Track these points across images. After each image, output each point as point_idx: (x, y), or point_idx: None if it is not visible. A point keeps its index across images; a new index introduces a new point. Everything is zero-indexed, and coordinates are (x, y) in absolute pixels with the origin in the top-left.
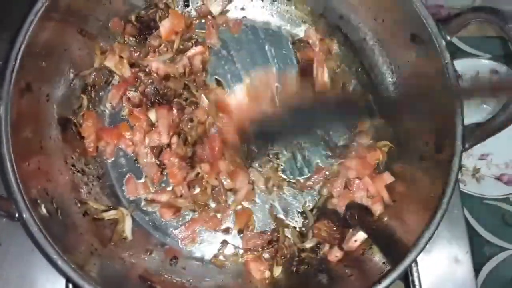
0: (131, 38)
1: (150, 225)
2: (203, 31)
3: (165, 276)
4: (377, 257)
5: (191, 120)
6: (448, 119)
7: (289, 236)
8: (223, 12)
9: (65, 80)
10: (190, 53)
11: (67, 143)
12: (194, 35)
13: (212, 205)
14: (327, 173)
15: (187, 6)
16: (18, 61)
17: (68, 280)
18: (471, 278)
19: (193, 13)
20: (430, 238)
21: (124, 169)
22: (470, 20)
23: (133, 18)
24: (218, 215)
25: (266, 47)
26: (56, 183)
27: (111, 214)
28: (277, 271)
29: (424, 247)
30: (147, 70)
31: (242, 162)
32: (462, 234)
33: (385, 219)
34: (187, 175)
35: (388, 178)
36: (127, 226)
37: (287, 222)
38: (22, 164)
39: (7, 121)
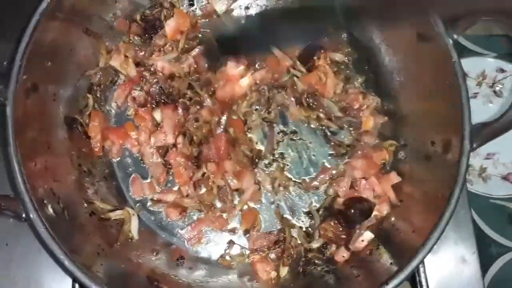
0: (136, 38)
1: (156, 225)
2: (208, 30)
3: (172, 276)
4: (384, 258)
5: (197, 120)
6: (456, 118)
7: (296, 236)
8: (228, 11)
9: (71, 80)
10: (195, 52)
11: (74, 142)
12: (199, 34)
13: (218, 205)
14: (333, 172)
15: (192, 5)
16: (23, 61)
17: (75, 280)
18: (478, 278)
19: (198, 12)
20: (437, 239)
21: (130, 169)
22: (478, 18)
23: (138, 17)
24: (224, 215)
25: None
26: (63, 183)
27: (117, 214)
28: (284, 271)
29: (431, 248)
30: (152, 69)
31: (248, 162)
32: (469, 234)
33: (392, 219)
34: (193, 175)
35: (394, 178)
36: (134, 226)
37: (294, 222)
38: (29, 164)
39: (14, 122)
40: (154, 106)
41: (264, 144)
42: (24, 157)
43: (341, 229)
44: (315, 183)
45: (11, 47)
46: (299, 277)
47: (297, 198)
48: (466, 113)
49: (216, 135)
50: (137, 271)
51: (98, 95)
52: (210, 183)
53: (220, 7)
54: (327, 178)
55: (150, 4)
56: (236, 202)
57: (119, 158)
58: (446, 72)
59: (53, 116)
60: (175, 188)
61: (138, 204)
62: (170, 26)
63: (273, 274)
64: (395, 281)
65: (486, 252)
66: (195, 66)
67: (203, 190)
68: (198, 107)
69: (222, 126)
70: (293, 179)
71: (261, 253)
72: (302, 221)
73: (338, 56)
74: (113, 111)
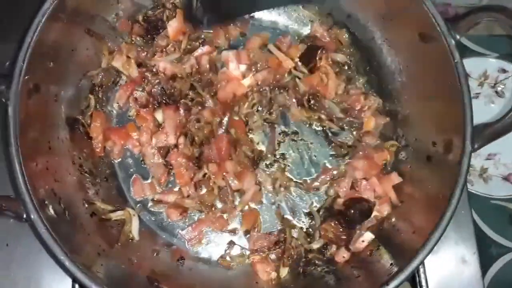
0: (138, 38)
1: (157, 226)
2: (211, 31)
3: (172, 276)
4: (385, 258)
5: (198, 121)
6: (457, 119)
7: (296, 237)
8: None
9: (72, 81)
10: (197, 53)
11: (75, 143)
12: (201, 35)
13: (219, 205)
14: (334, 173)
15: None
16: (26, 62)
17: (75, 280)
18: (478, 278)
19: None
20: (438, 240)
21: (131, 170)
22: (481, 19)
23: (140, 18)
24: (225, 216)
25: None
26: (64, 184)
27: (118, 215)
28: (284, 272)
29: (432, 248)
30: (154, 70)
31: (249, 163)
32: (469, 235)
33: (393, 220)
34: (194, 175)
35: (395, 178)
36: (134, 227)
37: (294, 222)
38: (30, 164)
39: (16, 122)
40: (155, 106)
41: (265, 144)
42: (26, 158)
43: (341, 229)
44: (316, 183)
45: (12, 48)
46: (299, 277)
47: (297, 198)
48: (468, 114)
49: (217, 136)
50: (137, 271)
51: (100, 96)
52: (211, 184)
53: None
54: (328, 178)
55: (153, 5)
56: (236, 202)
57: (120, 159)
58: (448, 73)
59: (54, 116)
60: (176, 189)
61: (139, 205)
62: (172, 27)
63: (273, 274)
64: (395, 282)
65: (486, 253)
66: (197, 67)
67: (204, 190)
68: (199, 107)
69: (223, 127)
70: (294, 180)
71: (261, 253)
72: (303, 222)
73: (339, 57)
74: (114, 111)
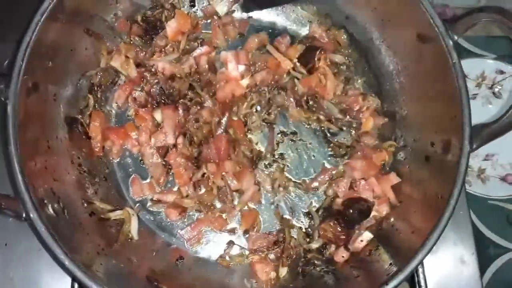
0: (137, 38)
1: (156, 226)
2: (209, 32)
3: (171, 276)
4: (384, 258)
5: (197, 120)
6: (455, 119)
7: (295, 237)
8: (229, 12)
9: (71, 80)
10: (196, 53)
11: (74, 142)
12: (200, 36)
13: (218, 205)
14: (333, 173)
15: (193, 6)
16: (24, 61)
17: (74, 279)
18: (477, 279)
19: (199, 13)
20: (437, 240)
21: (130, 169)
22: (479, 19)
23: (139, 18)
24: (224, 216)
25: None
26: (63, 183)
27: (117, 214)
28: (283, 272)
29: (431, 248)
30: (153, 70)
31: (248, 163)
32: (467, 235)
33: (392, 220)
34: (193, 175)
35: (394, 178)
36: (133, 227)
37: (293, 222)
38: (29, 163)
39: (15, 121)
40: (154, 106)
41: (264, 145)
42: (25, 157)
43: (340, 229)
44: (315, 183)
45: (11, 47)
46: (299, 277)
47: (296, 198)
48: (466, 114)
49: (216, 136)
50: (136, 271)
51: (98, 96)
52: (210, 184)
53: (221, 9)
54: (327, 178)
55: (151, 5)
56: (236, 202)
57: (119, 159)
58: (446, 73)
59: (53, 116)
60: (175, 189)
61: (138, 204)
62: (171, 27)
63: (273, 274)
64: (394, 282)
65: (485, 253)
66: (196, 67)
67: (203, 190)
68: (198, 107)
69: (222, 127)
70: (293, 180)
71: (260, 253)
72: (302, 222)
73: (338, 58)
74: (113, 111)
